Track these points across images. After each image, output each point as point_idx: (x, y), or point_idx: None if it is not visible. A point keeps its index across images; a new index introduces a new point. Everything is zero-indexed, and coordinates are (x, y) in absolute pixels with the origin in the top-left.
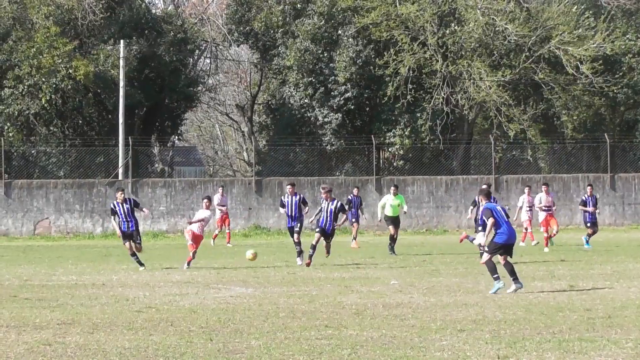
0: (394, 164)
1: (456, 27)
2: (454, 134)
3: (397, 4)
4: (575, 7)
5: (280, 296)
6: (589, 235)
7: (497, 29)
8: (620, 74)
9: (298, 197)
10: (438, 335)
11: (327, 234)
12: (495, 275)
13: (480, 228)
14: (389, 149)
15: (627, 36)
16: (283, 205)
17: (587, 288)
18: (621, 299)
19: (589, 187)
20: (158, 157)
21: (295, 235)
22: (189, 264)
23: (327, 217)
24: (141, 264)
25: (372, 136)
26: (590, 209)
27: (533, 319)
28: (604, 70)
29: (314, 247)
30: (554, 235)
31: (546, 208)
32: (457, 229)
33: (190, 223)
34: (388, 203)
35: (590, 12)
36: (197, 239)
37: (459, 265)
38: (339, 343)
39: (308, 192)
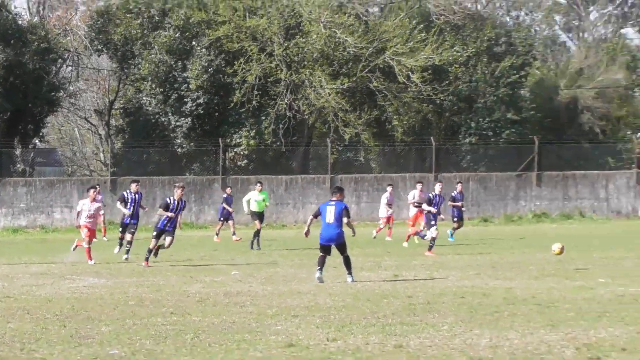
0: (238, 163)
1: (300, 39)
2: (295, 136)
3: (247, 17)
4: (409, 21)
5: (129, 286)
6: (454, 229)
7: (337, 40)
8: (447, 82)
9: (139, 195)
10: (273, 320)
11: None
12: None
13: (432, 222)
14: (235, 150)
15: (454, 48)
16: (124, 200)
17: (409, 277)
18: (440, 287)
19: (459, 184)
20: (20, 158)
21: (129, 236)
22: (75, 248)
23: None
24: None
25: (220, 139)
26: (458, 204)
27: (360, 305)
28: (432, 79)
29: (150, 251)
30: (421, 231)
31: (418, 205)
32: (295, 223)
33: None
34: (253, 199)
35: (422, 26)
36: (92, 233)
37: (295, 257)
38: (183, 328)
39: (159, 191)
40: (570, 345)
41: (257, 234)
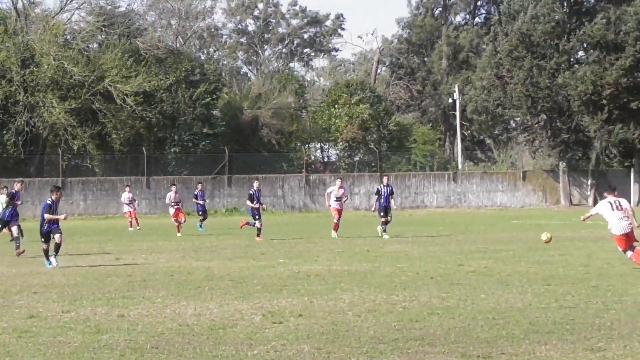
0: None
1: (34, 68)
2: (32, 147)
3: None
4: (122, 55)
5: None
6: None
7: (65, 70)
8: (154, 104)
9: None
10: (17, 296)
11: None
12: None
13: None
14: None
15: (159, 77)
16: None
17: (129, 260)
18: (153, 267)
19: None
20: None
21: None
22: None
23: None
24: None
25: None
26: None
27: (88, 283)
28: (143, 101)
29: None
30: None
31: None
32: (33, 217)
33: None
34: None
35: (133, 59)
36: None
37: (35, 245)
38: None
39: None
40: (258, 313)
41: None
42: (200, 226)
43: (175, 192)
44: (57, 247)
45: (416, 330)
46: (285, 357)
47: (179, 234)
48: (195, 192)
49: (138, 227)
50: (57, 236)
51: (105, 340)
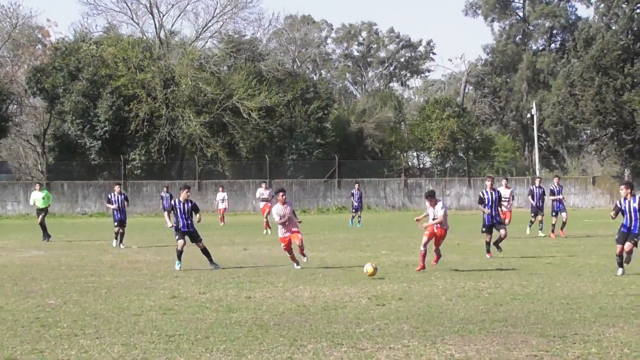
0: (135, 172)
1: (174, 88)
2: (172, 154)
3: (138, 73)
4: (247, 76)
5: (61, 257)
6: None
7: (200, 89)
8: (275, 117)
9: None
10: (162, 280)
11: None
12: None
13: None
14: (131, 163)
15: (279, 94)
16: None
17: (254, 251)
18: (275, 257)
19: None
20: None
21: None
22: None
23: None
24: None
25: (121, 155)
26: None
27: (222, 269)
28: (265, 115)
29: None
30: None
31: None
32: None
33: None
34: (34, 197)
35: (257, 79)
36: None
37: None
38: (99, 285)
39: (80, 192)
40: (364, 296)
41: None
42: (356, 222)
43: (266, 188)
44: (203, 251)
45: (500, 313)
46: (387, 334)
47: (264, 231)
48: (352, 191)
49: (222, 224)
50: (189, 239)
51: (235, 318)
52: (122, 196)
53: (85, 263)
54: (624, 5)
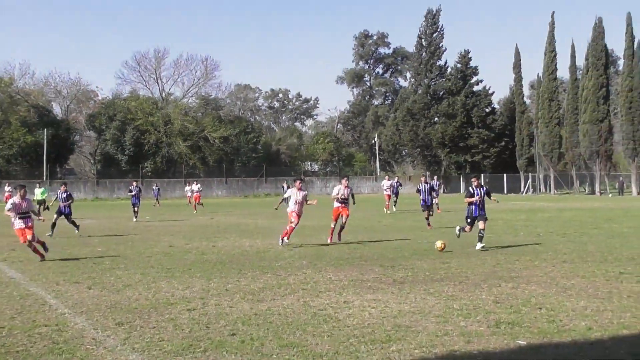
0: (148, 174)
1: (170, 125)
2: (170, 164)
3: (149, 117)
4: (212, 118)
5: (105, 224)
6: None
7: (186, 125)
8: (229, 142)
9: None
10: (163, 236)
11: None
12: None
13: None
14: (145, 169)
15: (230, 129)
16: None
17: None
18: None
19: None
20: (60, 174)
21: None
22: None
23: None
24: None
25: (139, 164)
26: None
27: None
28: (223, 141)
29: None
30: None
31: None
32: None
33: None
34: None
35: (218, 120)
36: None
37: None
38: (126, 240)
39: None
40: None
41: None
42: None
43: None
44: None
45: (357, 254)
46: (293, 266)
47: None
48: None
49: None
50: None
51: (206, 258)
52: (138, 188)
53: (118, 227)
54: (425, 80)
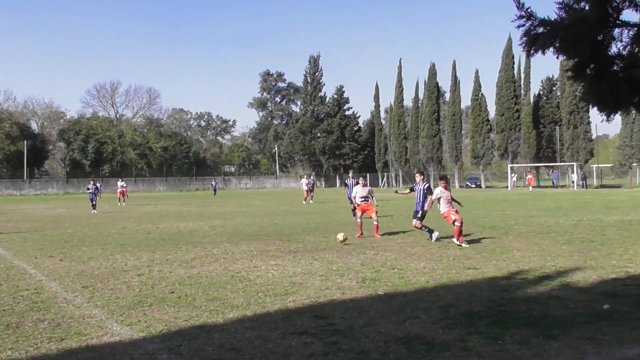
0: (105, 175)
1: (124, 138)
2: (123, 167)
3: (106, 132)
4: (155, 133)
5: (72, 212)
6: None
7: (135, 139)
8: (168, 151)
9: None
10: (119, 220)
11: None
12: None
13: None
14: (104, 171)
15: (169, 141)
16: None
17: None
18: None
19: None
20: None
21: None
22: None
23: None
24: None
25: (100, 168)
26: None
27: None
28: (164, 150)
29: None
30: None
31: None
32: None
33: None
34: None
35: (159, 134)
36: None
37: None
38: (90, 223)
39: None
40: (206, 226)
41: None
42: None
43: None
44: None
45: (264, 231)
46: (216, 241)
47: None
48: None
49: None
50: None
51: (151, 237)
52: (96, 187)
53: (83, 214)
54: (310, 107)
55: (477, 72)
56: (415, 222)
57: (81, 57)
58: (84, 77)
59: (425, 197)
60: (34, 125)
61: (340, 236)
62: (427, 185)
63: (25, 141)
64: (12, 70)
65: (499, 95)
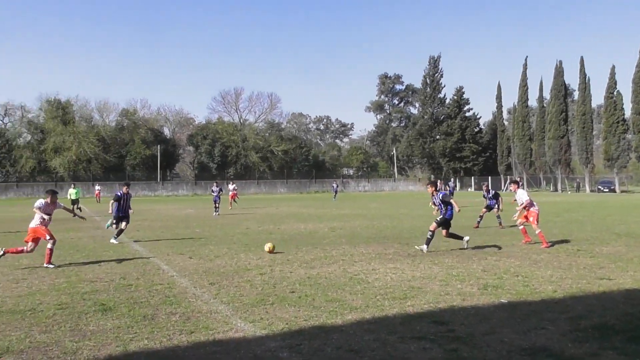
0: (230, 177)
1: (247, 142)
2: (247, 170)
3: (230, 137)
4: (276, 137)
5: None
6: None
7: (257, 142)
8: (289, 154)
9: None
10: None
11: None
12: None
13: None
14: (229, 173)
15: (288, 145)
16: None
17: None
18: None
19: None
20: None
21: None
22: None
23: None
24: None
25: (225, 170)
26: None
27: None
28: (285, 152)
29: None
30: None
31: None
32: None
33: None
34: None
35: (280, 137)
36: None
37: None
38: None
39: None
40: (326, 228)
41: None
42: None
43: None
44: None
45: (375, 232)
46: (336, 243)
47: None
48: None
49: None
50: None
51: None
52: (219, 189)
53: (211, 215)
54: (429, 109)
55: (613, 67)
56: (442, 232)
57: (207, 67)
58: (210, 85)
59: (447, 204)
60: (166, 131)
61: (267, 247)
62: (440, 194)
63: (159, 146)
64: (147, 80)
65: (636, 93)
